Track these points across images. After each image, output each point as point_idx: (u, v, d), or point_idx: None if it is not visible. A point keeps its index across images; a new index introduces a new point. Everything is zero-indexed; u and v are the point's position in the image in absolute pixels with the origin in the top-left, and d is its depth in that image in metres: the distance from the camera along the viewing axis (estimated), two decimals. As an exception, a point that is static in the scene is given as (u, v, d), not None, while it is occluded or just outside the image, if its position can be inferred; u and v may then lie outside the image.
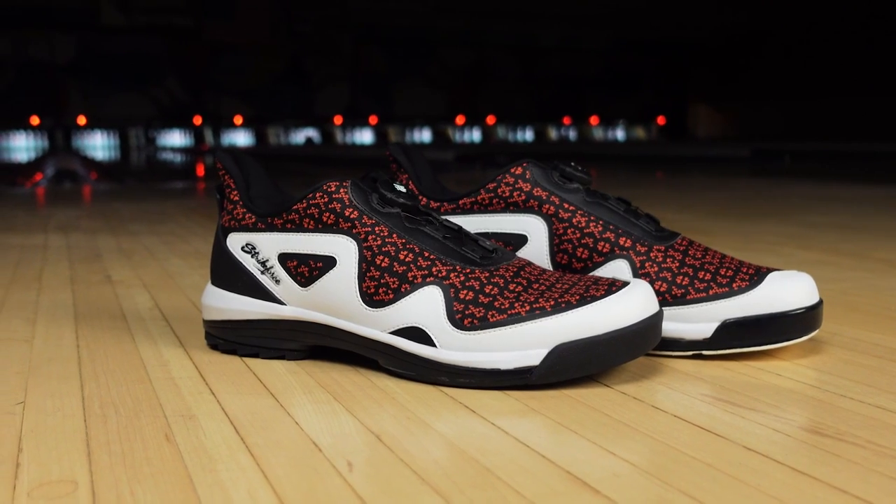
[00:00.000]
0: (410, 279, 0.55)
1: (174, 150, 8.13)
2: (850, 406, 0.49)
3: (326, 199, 0.58)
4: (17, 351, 0.64)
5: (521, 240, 0.64)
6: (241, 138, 9.01)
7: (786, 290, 0.59)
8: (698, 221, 1.55)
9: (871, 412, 0.48)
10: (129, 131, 8.79)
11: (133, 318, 0.75)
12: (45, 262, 1.08)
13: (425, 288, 0.55)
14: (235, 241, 0.61)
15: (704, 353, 0.59)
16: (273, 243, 0.60)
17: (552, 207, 0.63)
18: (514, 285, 0.54)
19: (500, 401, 0.51)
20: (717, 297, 0.59)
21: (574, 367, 0.52)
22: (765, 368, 0.57)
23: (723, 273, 0.60)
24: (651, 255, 0.61)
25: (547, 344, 0.52)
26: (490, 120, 9.37)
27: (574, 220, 0.63)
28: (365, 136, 9.28)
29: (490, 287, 0.54)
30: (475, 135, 9.46)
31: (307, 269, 0.58)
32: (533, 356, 0.52)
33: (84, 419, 0.48)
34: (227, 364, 0.59)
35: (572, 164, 0.65)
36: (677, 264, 0.61)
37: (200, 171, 4.73)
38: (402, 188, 0.59)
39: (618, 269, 0.61)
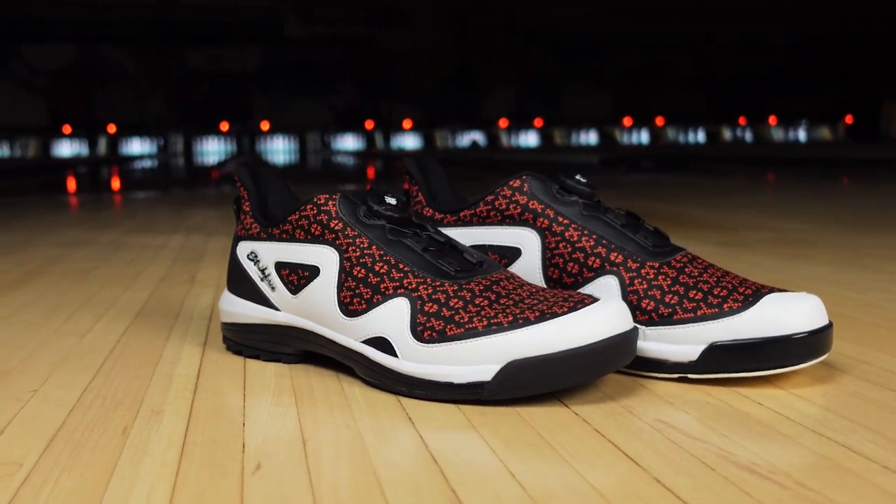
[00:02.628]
0: (383, 290, 0.57)
1: (347, 153, 8.51)
2: (843, 459, 0.43)
3: (315, 211, 0.60)
4: (65, 343, 0.71)
5: (515, 253, 0.63)
6: (409, 142, 9.29)
7: (782, 313, 0.55)
8: (818, 231, 1.45)
9: (867, 472, 0.42)
10: (308, 136, 9.29)
11: (184, 316, 0.81)
12: (152, 261, 1.18)
13: (395, 299, 0.56)
14: (243, 250, 0.65)
15: (690, 376, 0.56)
16: (271, 252, 0.63)
17: (546, 221, 0.62)
18: (481, 299, 0.54)
19: (447, 414, 0.51)
20: (704, 317, 0.56)
21: (526, 384, 0.51)
22: (753, 398, 0.54)
23: (716, 293, 0.57)
24: (642, 271, 0.59)
25: (499, 360, 0.52)
26: (659, 121, 9.09)
27: (566, 234, 0.61)
28: (530, 139, 9.28)
29: (455, 300, 0.55)
30: (643, 136, 9.21)
31: (296, 278, 0.61)
32: (485, 371, 0.52)
33: (71, 409, 0.53)
34: (228, 364, 0.63)
35: (577, 176, 0.64)
36: (669, 282, 0.58)
37: (371, 173, 4.94)
38: (392, 200, 0.61)
39: (606, 285, 0.60)
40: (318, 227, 0.60)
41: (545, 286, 0.62)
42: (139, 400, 0.55)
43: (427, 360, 0.53)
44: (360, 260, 0.58)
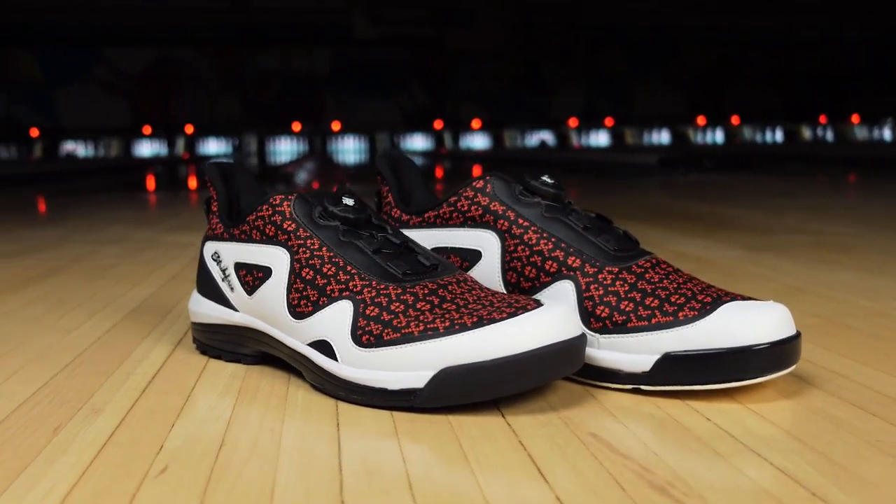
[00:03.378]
0: (328, 293, 0.56)
1: (416, 153, 8.56)
2: (768, 483, 0.40)
3: (270, 212, 0.60)
4: (48, 339, 0.72)
5: (475, 256, 0.61)
6: (478, 142, 9.27)
7: (740, 323, 0.52)
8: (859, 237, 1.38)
9: (790, 498, 0.38)
10: (377, 136, 9.37)
11: (174, 315, 0.82)
12: (171, 260, 1.21)
13: (339, 302, 0.55)
14: (208, 250, 0.65)
15: (643, 387, 0.54)
16: (231, 253, 0.63)
17: (506, 223, 0.60)
18: (424, 303, 0.53)
19: (377, 421, 0.50)
20: (658, 326, 0.53)
21: (458, 392, 0.50)
22: (704, 412, 0.51)
23: (673, 300, 0.54)
24: (600, 276, 0.57)
25: (433, 367, 0.50)
26: (735, 120, 8.84)
27: (525, 237, 0.59)
28: (600, 139, 9.15)
29: (397, 304, 0.53)
30: (717, 136, 8.97)
31: (252, 279, 0.61)
32: (419, 378, 0.50)
33: (19, 405, 0.54)
34: (190, 365, 0.63)
35: (544, 177, 0.62)
36: (626, 288, 0.56)
37: (439, 173, 4.96)
38: (349, 201, 0.60)
39: (562, 290, 0.57)
40: (272, 228, 0.59)
41: (504, 290, 0.60)
42: (87, 398, 0.55)
43: (364, 364, 0.52)
44: (309, 262, 0.57)
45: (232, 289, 0.63)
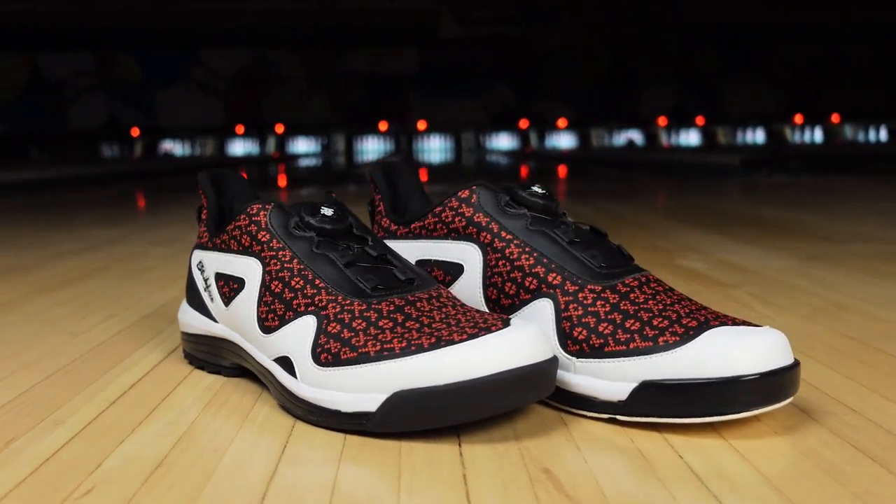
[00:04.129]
0: (295, 307, 0.54)
1: (501, 153, 8.52)
2: None
3: (247, 222, 0.58)
4: (53, 343, 0.73)
5: (458, 269, 0.58)
6: (564, 141, 9.16)
7: (726, 351, 0.47)
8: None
9: None
10: (463, 135, 9.37)
11: (184, 320, 0.81)
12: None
13: (304, 317, 0.53)
14: (195, 258, 0.64)
15: (619, 417, 0.50)
16: (213, 262, 0.62)
17: (489, 235, 0.57)
18: (387, 321, 0.50)
19: (326, 445, 0.48)
20: (637, 351, 0.49)
21: (409, 418, 0.47)
22: (679, 448, 0.46)
23: (655, 323, 0.50)
24: (580, 295, 0.53)
25: (386, 389, 0.47)
26: (835, 118, 8.44)
27: (507, 251, 0.56)
28: (691, 138, 8.90)
29: (359, 321, 0.51)
30: (816, 135, 8.59)
31: (228, 290, 0.59)
32: (371, 401, 0.48)
33: (-10, 412, 0.54)
34: (173, 375, 0.63)
35: (534, 187, 0.58)
36: (607, 308, 0.51)
37: (524, 172, 4.92)
38: (328, 211, 0.58)
39: (540, 309, 0.54)
40: (248, 239, 0.58)
41: (485, 307, 0.57)
42: (55, 409, 0.55)
43: (321, 384, 0.50)
44: (279, 274, 0.55)
45: (212, 299, 0.61)
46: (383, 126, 9.28)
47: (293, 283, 0.54)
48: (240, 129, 9.02)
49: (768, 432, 0.48)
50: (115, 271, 1.13)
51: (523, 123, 9.23)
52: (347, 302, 0.52)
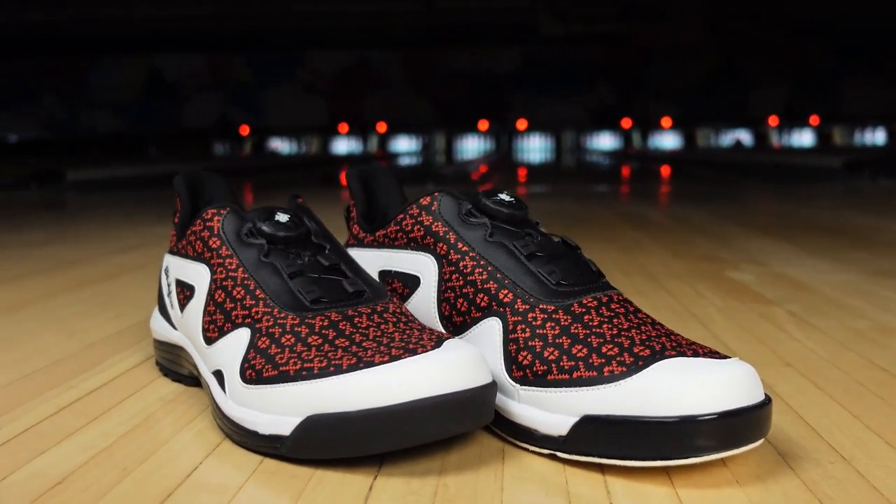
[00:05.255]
0: (233, 318, 0.51)
1: (602, 153, 8.35)
2: None
3: (201, 227, 0.56)
4: (44, 342, 0.73)
5: (416, 282, 0.54)
6: (668, 141, 8.90)
7: (676, 385, 0.41)
8: None
9: None
10: (563, 135, 9.24)
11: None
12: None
13: (239, 330, 0.50)
14: (164, 263, 0.63)
15: (560, 455, 0.44)
16: (175, 267, 0.60)
17: (445, 246, 0.53)
18: (317, 337, 0.47)
19: (239, 466, 0.45)
20: (580, 381, 0.44)
21: (323, 444, 0.43)
22: (618, 494, 0.41)
23: (604, 350, 0.44)
24: (530, 315, 0.48)
25: (300, 412, 0.44)
26: (965, 118, 7.85)
27: (461, 264, 0.51)
28: (804, 139, 8.47)
29: (288, 337, 0.48)
30: (944, 136, 8.01)
31: (182, 297, 0.57)
32: (286, 424, 0.44)
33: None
34: (136, 382, 0.61)
35: (501, 195, 0.54)
36: (556, 331, 0.46)
37: (625, 173, 4.82)
38: (282, 218, 0.55)
39: (489, 329, 0.49)
40: (201, 244, 0.56)
41: (439, 324, 0.52)
42: (15, 406, 0.54)
43: (243, 402, 0.47)
44: (223, 283, 0.53)
45: (172, 305, 0.60)
46: (483, 125, 9.26)
47: (234, 292, 0.52)
48: (343, 127, 9.19)
49: (727, 482, 0.42)
50: (150, 270, 1.14)
51: (626, 123, 9.02)
52: (282, 315, 0.49)
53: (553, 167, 5.98)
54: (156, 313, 0.64)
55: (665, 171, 5.01)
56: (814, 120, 8.31)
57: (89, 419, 0.53)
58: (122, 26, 8.13)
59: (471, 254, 0.51)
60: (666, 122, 8.84)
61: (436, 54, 8.94)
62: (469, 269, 0.51)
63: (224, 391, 0.49)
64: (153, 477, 0.43)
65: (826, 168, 3.66)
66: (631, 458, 0.42)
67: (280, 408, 0.45)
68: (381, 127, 9.12)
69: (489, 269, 0.50)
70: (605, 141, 9.14)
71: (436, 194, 0.54)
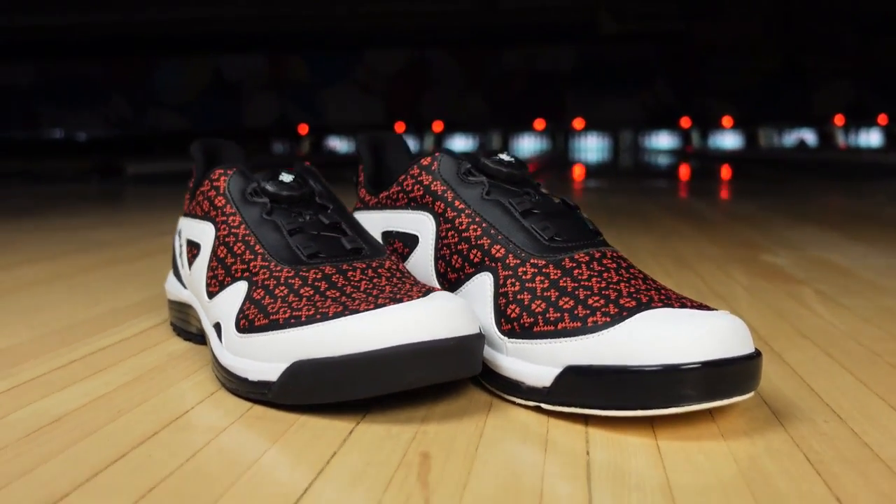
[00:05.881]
0: (233, 272, 0.52)
1: (660, 152, 8.23)
2: None
3: (209, 187, 0.57)
4: (70, 304, 0.75)
5: (414, 241, 0.54)
6: (729, 140, 8.72)
7: (659, 335, 0.40)
8: None
9: None
10: (621, 134, 9.14)
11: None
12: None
13: (238, 283, 0.51)
14: (178, 226, 0.64)
15: (545, 406, 0.44)
16: (185, 228, 0.61)
17: (443, 205, 0.53)
18: (309, 288, 0.48)
19: (227, 413, 0.45)
20: (564, 332, 0.43)
21: (307, 390, 0.44)
22: (597, 443, 0.40)
23: (591, 302, 0.44)
24: (520, 269, 0.47)
25: (287, 359, 0.44)
26: None
27: (457, 222, 0.51)
28: (872, 139, 8.21)
29: (281, 288, 0.48)
30: None
31: (191, 255, 0.58)
32: (274, 370, 0.45)
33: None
34: (145, 340, 0.62)
35: (500, 154, 0.54)
36: (545, 284, 0.46)
37: (683, 172, 4.74)
38: (286, 178, 0.56)
39: (481, 284, 0.49)
40: (207, 204, 0.57)
41: (435, 282, 0.53)
42: (29, 359, 0.56)
43: (236, 351, 0.48)
44: (226, 239, 0.54)
45: (183, 265, 0.61)
46: (539, 124, 9.21)
47: (236, 248, 0.53)
48: (400, 126, 9.24)
49: (712, 435, 0.41)
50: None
51: (685, 122, 8.87)
52: (278, 269, 0.50)
53: (609, 166, 5.92)
54: (170, 276, 0.65)
55: (725, 170, 4.91)
56: (882, 119, 8.04)
57: (96, 371, 0.54)
58: (186, 27, 8.32)
59: (466, 211, 0.51)
60: (727, 121, 8.67)
61: (492, 53, 8.93)
62: (464, 226, 0.51)
63: (221, 342, 0.50)
64: (144, 419, 0.44)
65: (873, 164, 3.54)
66: (613, 409, 0.41)
67: (269, 355, 0.45)
68: (438, 126, 9.14)
69: (483, 225, 0.50)
70: (663, 140, 9.01)
71: (436, 154, 0.55)
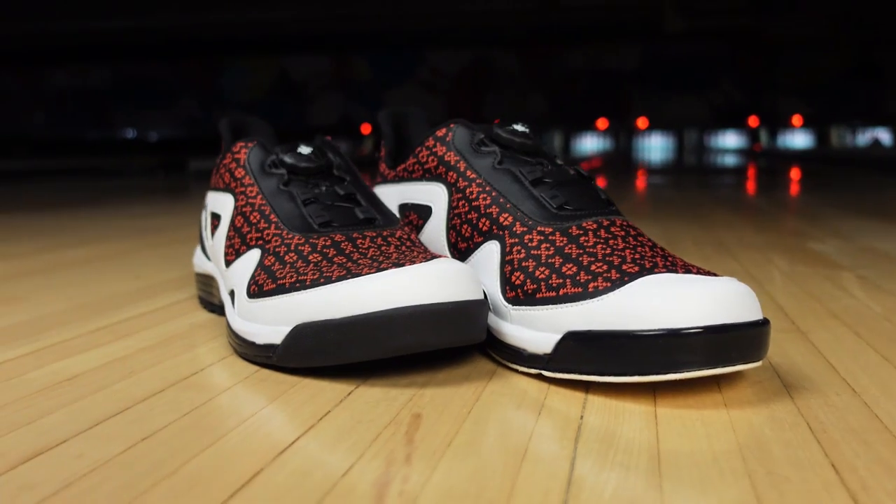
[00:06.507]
0: (248, 241, 0.53)
1: (727, 151, 8.06)
2: None
3: (230, 160, 0.58)
4: (109, 280, 0.77)
5: (428, 212, 0.54)
6: (799, 140, 8.49)
7: (662, 299, 0.39)
8: None
9: None
10: (686, 133, 8.98)
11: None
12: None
13: (252, 251, 0.52)
14: (205, 200, 0.65)
15: (545, 373, 0.43)
16: (210, 201, 0.62)
17: (455, 175, 0.52)
18: (318, 255, 0.48)
19: (232, 374, 0.46)
20: (565, 298, 0.43)
21: (309, 353, 0.44)
22: (594, 410, 0.40)
23: (594, 268, 0.43)
24: (527, 237, 0.47)
25: (291, 321, 0.45)
26: None
27: (468, 191, 0.51)
28: (951, 137, 7.88)
29: (291, 255, 0.49)
30: None
31: (213, 227, 0.60)
32: (278, 334, 0.46)
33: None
34: (172, 312, 0.64)
35: (515, 125, 0.53)
36: (551, 251, 0.45)
37: (751, 172, 4.65)
38: (304, 150, 0.56)
39: (489, 253, 0.48)
40: (228, 176, 0.58)
41: (447, 252, 0.52)
42: (58, 326, 0.58)
43: (246, 315, 0.49)
44: (243, 209, 0.55)
45: (207, 237, 0.62)
46: (602, 124, 9.11)
47: (252, 217, 0.54)
48: (461, 126, 9.24)
49: (715, 403, 0.40)
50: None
51: (753, 121, 8.67)
52: (290, 236, 0.50)
53: (675, 166, 5.82)
54: (197, 250, 0.67)
55: (794, 169, 4.78)
56: (962, 117, 7.71)
57: (119, 337, 0.56)
58: (252, 29, 8.49)
59: (477, 181, 0.51)
60: (797, 120, 8.44)
61: (554, 52, 8.87)
62: (475, 196, 0.51)
63: (234, 308, 0.51)
64: (153, 378, 0.45)
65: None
66: (612, 374, 0.40)
67: (275, 318, 0.46)
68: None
69: (493, 194, 0.50)
70: (730, 140, 8.82)
71: (451, 125, 0.54)
